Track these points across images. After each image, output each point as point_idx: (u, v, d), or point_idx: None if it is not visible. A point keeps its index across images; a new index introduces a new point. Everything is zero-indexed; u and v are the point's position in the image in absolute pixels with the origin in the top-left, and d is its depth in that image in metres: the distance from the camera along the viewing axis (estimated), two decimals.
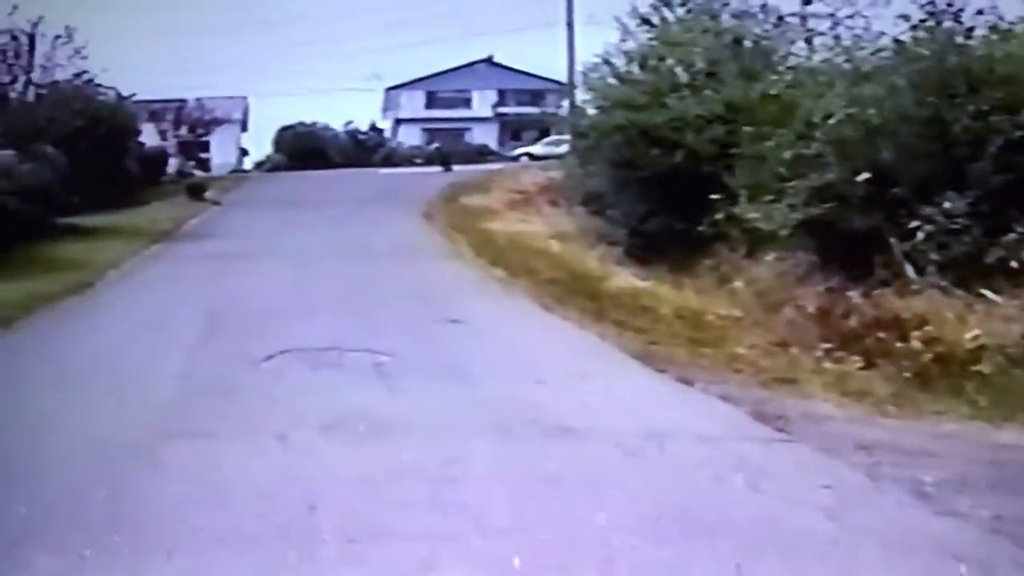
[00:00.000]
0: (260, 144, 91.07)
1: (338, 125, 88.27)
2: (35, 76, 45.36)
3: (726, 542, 7.48)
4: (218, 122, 76.47)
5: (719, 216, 20.65)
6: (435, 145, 62.30)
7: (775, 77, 23.70)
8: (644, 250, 25.23)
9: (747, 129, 21.36)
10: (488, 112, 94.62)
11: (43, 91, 45.66)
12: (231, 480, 9.13)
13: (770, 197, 19.08)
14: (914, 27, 18.30)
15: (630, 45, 28.66)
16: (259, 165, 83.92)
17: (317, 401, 12.17)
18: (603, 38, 29.85)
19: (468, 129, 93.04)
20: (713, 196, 20.89)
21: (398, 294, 21.31)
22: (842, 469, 9.32)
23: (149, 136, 63.25)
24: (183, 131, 71.99)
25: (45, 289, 22.75)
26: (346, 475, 9.25)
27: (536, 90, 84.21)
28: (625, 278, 22.28)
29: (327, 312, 18.93)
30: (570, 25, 51.23)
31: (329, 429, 10.84)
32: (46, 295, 22.04)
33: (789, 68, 24.84)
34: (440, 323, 17.80)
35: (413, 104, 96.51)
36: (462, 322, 17.83)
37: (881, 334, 13.81)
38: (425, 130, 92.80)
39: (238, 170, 79.49)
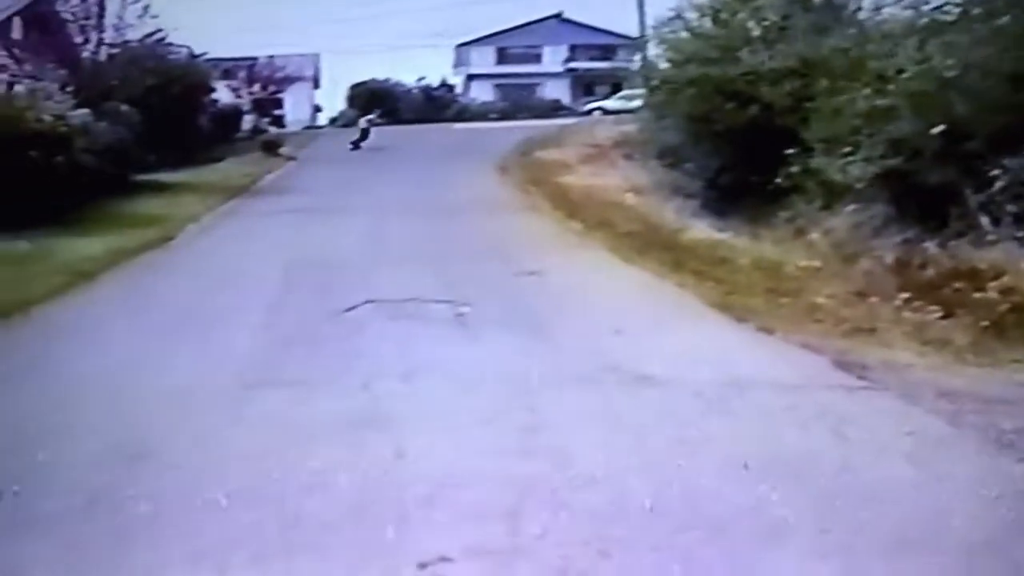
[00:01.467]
0: (333, 101, 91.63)
1: (410, 81, 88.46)
2: (107, 36, 45.66)
3: (811, 487, 7.57)
4: (290, 79, 76.82)
5: (795, 169, 20.57)
6: (368, 117, 58.80)
7: (846, 31, 23.60)
8: (720, 203, 25.18)
9: (822, 83, 21.32)
10: (559, 67, 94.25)
11: (115, 51, 45.97)
12: (318, 428, 9.29)
13: (846, 150, 19.04)
14: None
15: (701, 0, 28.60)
16: (332, 121, 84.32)
17: (399, 350, 12.33)
18: None
19: (539, 84, 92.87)
20: (788, 149, 20.84)
21: (475, 247, 21.38)
22: (924, 416, 9.34)
23: (224, 94, 63.73)
24: (256, 88, 72.33)
25: (126, 243, 22.96)
26: (432, 423, 9.41)
27: (607, 45, 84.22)
28: (702, 230, 22.24)
29: (405, 265, 19.06)
30: None
31: (412, 377, 11.01)
32: (127, 249, 22.26)
33: (859, 22, 24.69)
34: (519, 275, 17.76)
35: (483, 60, 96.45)
36: (540, 274, 17.81)
37: (958, 284, 13.74)
38: (497, 86, 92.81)
39: (312, 126, 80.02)
